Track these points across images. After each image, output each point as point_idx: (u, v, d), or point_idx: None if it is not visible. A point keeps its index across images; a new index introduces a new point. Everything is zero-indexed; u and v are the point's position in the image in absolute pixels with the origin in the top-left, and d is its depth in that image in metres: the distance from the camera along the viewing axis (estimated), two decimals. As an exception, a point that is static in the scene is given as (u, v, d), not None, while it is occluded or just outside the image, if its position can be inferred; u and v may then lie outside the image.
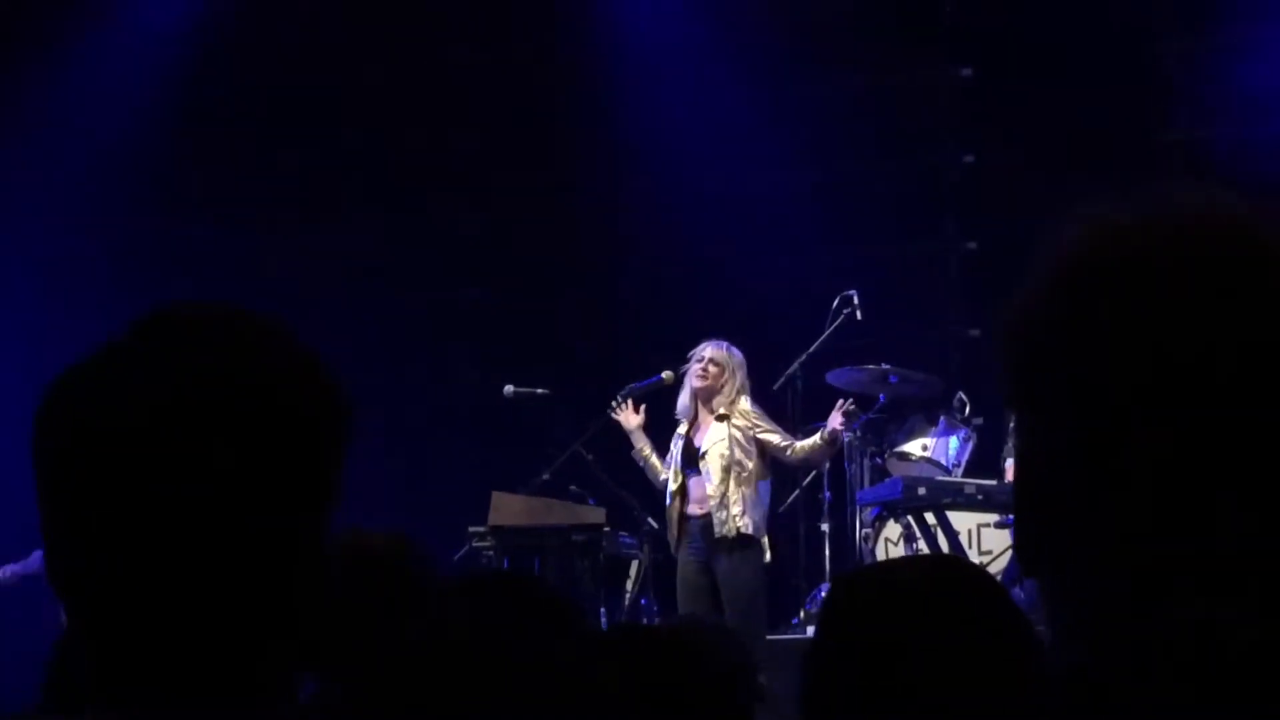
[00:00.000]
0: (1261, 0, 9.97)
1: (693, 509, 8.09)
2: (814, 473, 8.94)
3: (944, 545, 8.56)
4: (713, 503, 7.97)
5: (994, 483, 8.58)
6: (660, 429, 8.41)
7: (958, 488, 8.67)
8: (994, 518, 8.85)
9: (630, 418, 8.41)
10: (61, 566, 1.27)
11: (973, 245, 10.68)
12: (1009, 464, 8.52)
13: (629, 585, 8.45)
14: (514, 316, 11.31)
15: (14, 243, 10.15)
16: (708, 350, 8.17)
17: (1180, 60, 10.15)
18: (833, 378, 8.84)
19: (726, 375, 8.12)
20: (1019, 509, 1.22)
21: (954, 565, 2.21)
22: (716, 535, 7.94)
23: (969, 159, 10.72)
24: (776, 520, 8.74)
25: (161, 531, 1.23)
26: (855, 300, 8.95)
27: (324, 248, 10.98)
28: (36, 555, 8.59)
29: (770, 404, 8.42)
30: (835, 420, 8.16)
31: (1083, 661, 1.12)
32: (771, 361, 8.77)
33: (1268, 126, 9.61)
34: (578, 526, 8.25)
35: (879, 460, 9.08)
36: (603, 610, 8.15)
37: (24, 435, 1.29)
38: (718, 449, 8.02)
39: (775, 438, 8.12)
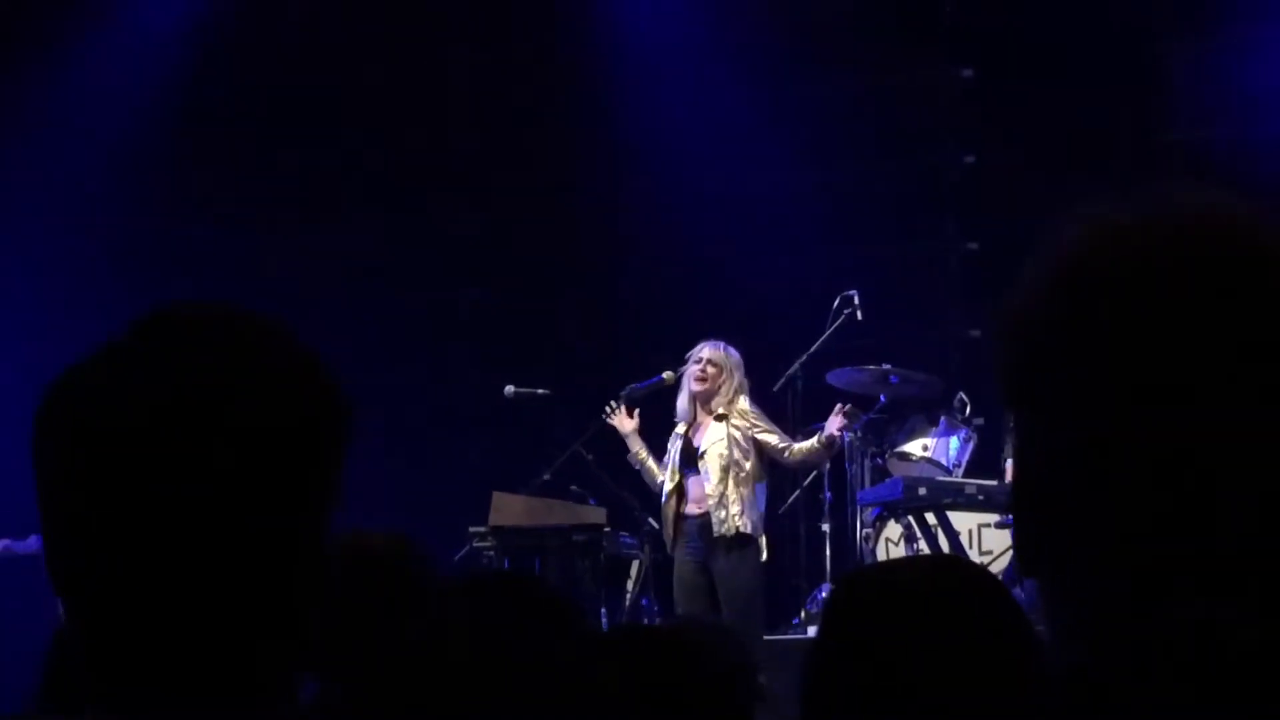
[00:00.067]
0: (1261, 0, 9.97)
1: (691, 508, 8.09)
2: (814, 473, 8.93)
3: (945, 545, 8.56)
4: (711, 502, 7.96)
5: (994, 483, 8.58)
6: (658, 430, 8.40)
7: (958, 488, 8.67)
8: (994, 518, 8.85)
9: (625, 422, 8.40)
10: (61, 566, 1.27)
11: (973, 245, 10.67)
12: (1009, 464, 8.52)
13: (630, 585, 8.44)
14: (514, 316, 11.30)
15: (14, 243, 10.14)
16: (705, 351, 8.16)
17: (1180, 60, 10.15)
18: (833, 378, 8.84)
19: (725, 375, 8.11)
20: (1018, 509, 1.21)
21: (955, 565, 2.21)
22: (715, 535, 7.93)
23: (969, 159, 10.71)
24: (777, 520, 8.75)
25: (161, 532, 1.23)
26: (856, 300, 8.94)
27: (324, 248, 10.98)
28: (34, 539, 8.54)
29: (770, 404, 8.42)
30: (833, 424, 8.14)
31: (1083, 661, 1.12)
32: (771, 361, 8.76)
33: (1268, 126, 9.61)
34: (578, 527, 8.25)
35: (879, 460, 9.07)
36: (603, 610, 8.15)
37: (24, 435, 1.29)
38: (716, 449, 8.01)
39: (773, 439, 8.11)
